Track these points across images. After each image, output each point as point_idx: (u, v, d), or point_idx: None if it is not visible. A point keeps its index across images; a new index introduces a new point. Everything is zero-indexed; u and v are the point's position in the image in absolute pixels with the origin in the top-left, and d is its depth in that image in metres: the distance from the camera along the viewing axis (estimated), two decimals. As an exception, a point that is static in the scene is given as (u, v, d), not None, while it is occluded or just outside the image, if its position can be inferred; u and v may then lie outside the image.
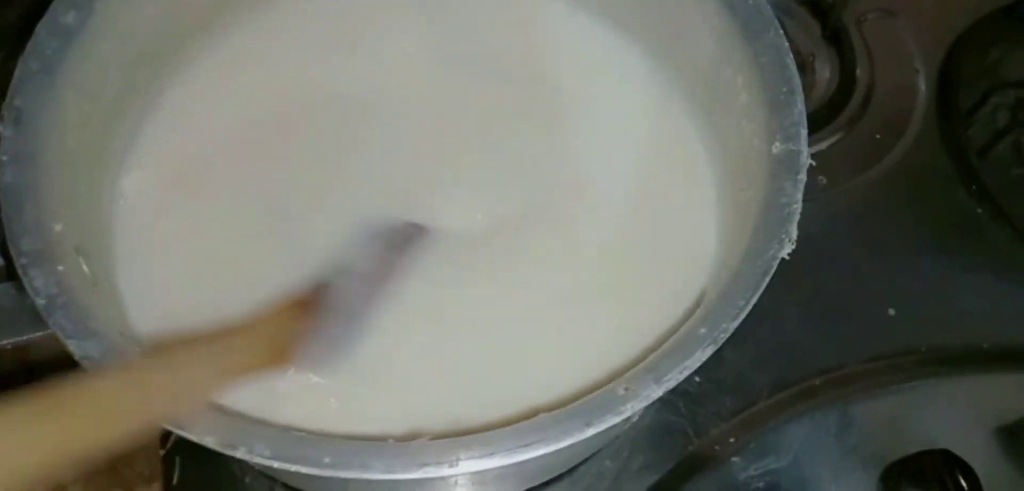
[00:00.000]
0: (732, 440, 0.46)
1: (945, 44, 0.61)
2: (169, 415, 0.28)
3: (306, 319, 0.35)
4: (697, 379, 0.47)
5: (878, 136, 0.57)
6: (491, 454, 0.28)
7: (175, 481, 0.43)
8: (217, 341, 0.33)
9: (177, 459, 0.43)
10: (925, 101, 0.58)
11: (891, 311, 0.50)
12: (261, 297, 0.38)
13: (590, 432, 0.28)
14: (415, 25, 0.47)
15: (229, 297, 0.38)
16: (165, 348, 0.33)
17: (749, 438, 0.46)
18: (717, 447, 0.46)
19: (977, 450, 0.44)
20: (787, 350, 0.48)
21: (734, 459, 0.45)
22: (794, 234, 0.32)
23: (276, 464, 0.28)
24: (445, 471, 0.28)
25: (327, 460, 0.28)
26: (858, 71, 0.59)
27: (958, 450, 0.44)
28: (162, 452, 0.43)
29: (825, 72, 0.59)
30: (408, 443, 0.29)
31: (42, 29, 0.35)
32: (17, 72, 0.34)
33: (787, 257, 0.32)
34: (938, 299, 0.51)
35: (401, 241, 0.39)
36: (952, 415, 0.47)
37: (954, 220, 0.54)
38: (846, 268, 0.52)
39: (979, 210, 0.54)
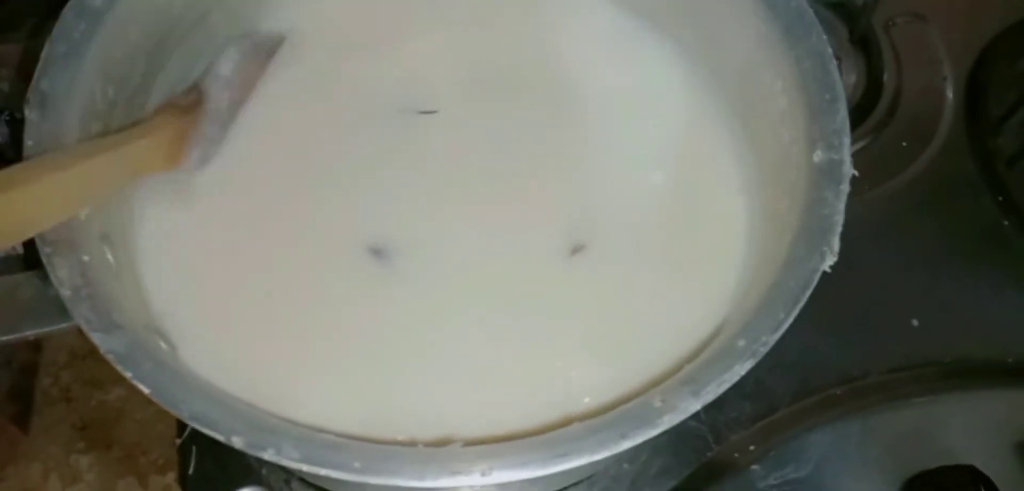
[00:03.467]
0: (752, 448, 0.45)
1: (974, 50, 0.60)
2: (80, 209, 0.31)
3: (187, 122, 0.38)
4: (717, 384, 0.46)
5: (904, 143, 0.56)
6: (525, 464, 0.27)
7: (190, 471, 0.43)
8: (118, 145, 0.34)
9: (193, 448, 0.43)
10: (953, 108, 0.57)
11: (915, 321, 0.50)
12: (289, 282, 0.37)
13: (626, 445, 0.28)
14: (441, 25, 0.46)
15: (254, 281, 0.37)
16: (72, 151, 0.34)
17: (769, 446, 0.45)
18: (736, 454, 0.45)
19: (1001, 466, 0.44)
20: (808, 358, 0.48)
21: (754, 467, 0.45)
22: (836, 246, 0.31)
23: (305, 467, 0.27)
24: (477, 480, 0.27)
25: (357, 464, 0.27)
26: (885, 76, 0.58)
27: (982, 465, 0.43)
28: (178, 441, 0.43)
29: (851, 77, 0.58)
30: (440, 449, 0.28)
31: (69, 11, 0.34)
32: (43, 54, 0.33)
33: (828, 270, 0.31)
34: (963, 311, 0.50)
35: (261, 53, 0.42)
36: (976, 429, 0.46)
37: (980, 231, 0.53)
38: (870, 276, 0.51)
39: (1006, 221, 0.53)
